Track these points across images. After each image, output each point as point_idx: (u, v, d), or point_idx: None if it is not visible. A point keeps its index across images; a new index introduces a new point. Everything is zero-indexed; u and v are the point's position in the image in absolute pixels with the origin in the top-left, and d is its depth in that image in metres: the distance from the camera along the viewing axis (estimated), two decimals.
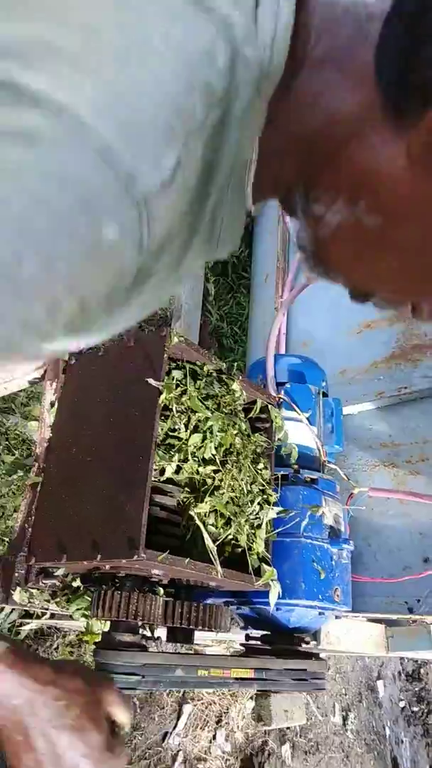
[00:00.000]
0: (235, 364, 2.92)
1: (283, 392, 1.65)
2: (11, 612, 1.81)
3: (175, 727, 2.31)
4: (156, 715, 2.28)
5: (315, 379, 1.73)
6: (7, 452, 1.67)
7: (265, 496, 1.41)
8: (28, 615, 1.80)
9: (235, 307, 3.17)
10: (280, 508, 1.42)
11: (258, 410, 1.53)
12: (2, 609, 1.72)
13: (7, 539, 1.44)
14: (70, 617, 1.39)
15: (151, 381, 1.19)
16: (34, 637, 1.93)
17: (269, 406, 1.55)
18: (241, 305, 3.16)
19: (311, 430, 1.63)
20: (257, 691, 1.49)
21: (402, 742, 3.66)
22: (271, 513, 1.39)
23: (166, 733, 2.28)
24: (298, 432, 1.60)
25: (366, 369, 1.97)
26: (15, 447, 1.70)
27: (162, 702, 2.31)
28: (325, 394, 1.75)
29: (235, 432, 1.36)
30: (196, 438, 1.26)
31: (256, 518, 1.37)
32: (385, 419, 1.89)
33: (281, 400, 1.62)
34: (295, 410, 1.61)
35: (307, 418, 1.62)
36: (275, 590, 1.31)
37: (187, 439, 1.25)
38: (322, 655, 1.53)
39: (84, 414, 1.32)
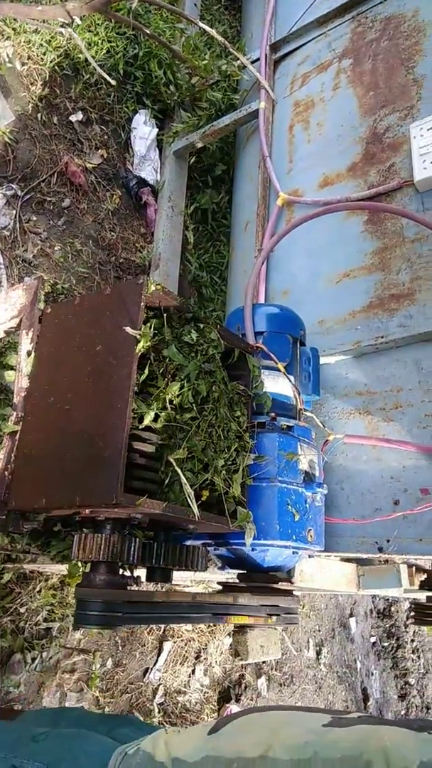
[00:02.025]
0: (215, 313, 2.91)
1: (261, 341, 1.66)
2: None
3: (155, 663, 2.42)
4: (137, 652, 2.38)
5: (293, 328, 1.74)
6: None
7: (241, 443, 1.44)
8: (9, 560, 1.84)
9: (215, 256, 3.13)
10: (256, 454, 1.46)
11: (236, 358, 1.54)
12: None
13: None
14: (52, 560, 1.42)
15: (128, 329, 1.19)
16: (17, 581, 1.98)
17: (247, 355, 1.56)
18: (221, 254, 3.13)
19: (288, 379, 1.65)
20: (235, 627, 1.56)
21: (372, 674, 3.88)
22: (248, 459, 1.43)
23: (147, 669, 2.39)
24: (275, 380, 1.62)
25: (344, 318, 1.98)
26: None
27: (143, 639, 2.41)
28: (302, 343, 1.76)
29: (212, 380, 1.37)
30: (174, 386, 1.27)
31: (233, 464, 1.40)
32: (361, 368, 1.92)
33: (259, 349, 1.63)
34: (273, 359, 1.62)
35: (285, 367, 1.64)
36: (250, 531, 1.36)
37: (165, 387, 1.26)
38: (295, 593, 1.60)
39: (61, 363, 1.31)
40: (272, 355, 1.62)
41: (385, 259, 1.95)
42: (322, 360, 1.94)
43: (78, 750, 1.09)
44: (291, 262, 2.26)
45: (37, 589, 2.04)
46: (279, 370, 1.63)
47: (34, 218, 2.44)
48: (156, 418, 1.23)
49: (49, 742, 1.14)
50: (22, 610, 1.99)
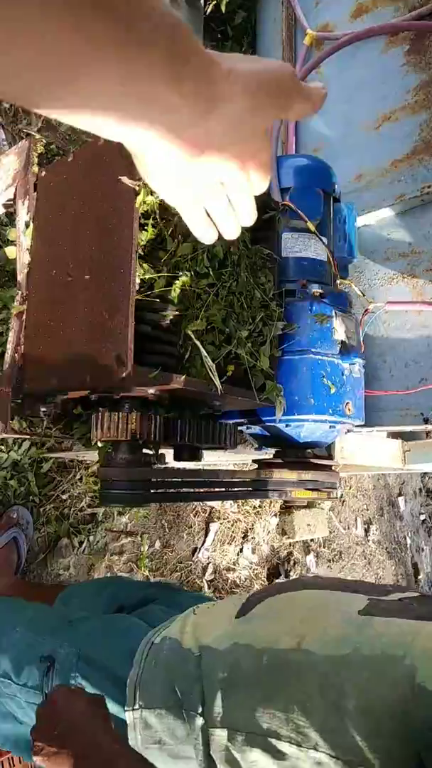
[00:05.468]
0: None
1: (287, 198, 1.47)
2: (29, 448, 1.85)
3: (203, 543, 2.47)
4: (184, 534, 2.43)
5: (324, 181, 1.53)
6: None
7: (268, 312, 1.31)
8: (49, 450, 1.83)
9: None
10: (284, 323, 1.33)
11: (260, 218, 1.37)
12: (3, 441, 1.76)
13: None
14: (78, 441, 1.38)
15: (125, 180, 1.03)
16: (56, 470, 1.99)
17: (272, 214, 1.39)
18: None
19: (320, 240, 1.47)
20: (281, 507, 1.52)
21: (423, 550, 3.92)
22: (275, 329, 1.30)
23: (195, 549, 2.45)
24: (305, 242, 1.45)
25: (385, 170, 1.74)
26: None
27: (189, 521, 2.45)
28: (336, 200, 1.56)
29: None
30: (186, 248, 1.13)
31: (259, 335, 1.28)
32: (404, 226, 1.71)
33: (286, 207, 1.45)
34: (302, 218, 1.44)
35: (316, 226, 1.46)
36: (280, 405, 1.26)
37: (175, 250, 1.13)
38: (336, 470, 1.53)
39: (60, 230, 1.19)
40: (301, 213, 1.44)
41: None
42: (362, 220, 1.74)
43: (112, 636, 1.10)
44: (322, 112, 1.98)
45: (78, 476, 2.05)
46: (309, 230, 1.45)
47: None
48: (168, 285, 1.11)
49: (83, 627, 1.15)
50: (64, 497, 2.01)
